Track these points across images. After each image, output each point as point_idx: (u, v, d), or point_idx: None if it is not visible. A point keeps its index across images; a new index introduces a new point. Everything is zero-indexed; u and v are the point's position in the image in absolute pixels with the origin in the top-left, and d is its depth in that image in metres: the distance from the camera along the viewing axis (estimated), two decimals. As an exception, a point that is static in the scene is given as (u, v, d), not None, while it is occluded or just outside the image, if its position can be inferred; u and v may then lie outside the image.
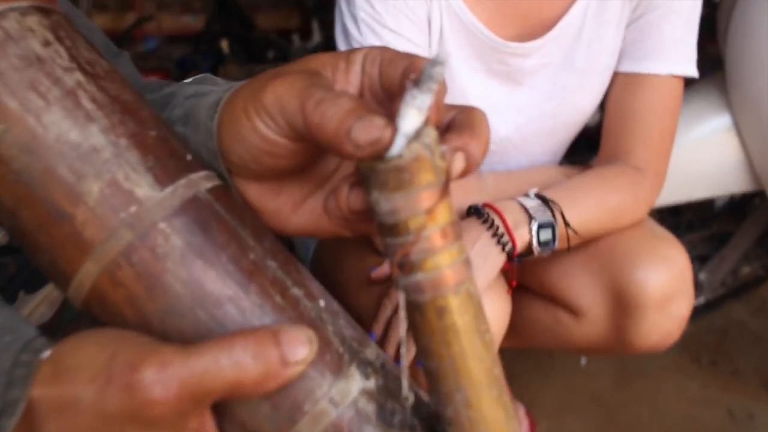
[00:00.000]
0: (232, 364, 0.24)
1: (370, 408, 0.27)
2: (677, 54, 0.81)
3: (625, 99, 0.84)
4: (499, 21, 0.79)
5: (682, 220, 1.41)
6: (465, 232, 0.72)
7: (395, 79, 0.29)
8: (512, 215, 0.72)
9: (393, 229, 0.25)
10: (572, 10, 0.80)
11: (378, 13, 0.74)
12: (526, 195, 0.76)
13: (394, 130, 0.24)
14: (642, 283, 0.75)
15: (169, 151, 0.29)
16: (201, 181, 0.29)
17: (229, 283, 0.27)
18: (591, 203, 0.78)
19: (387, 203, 0.25)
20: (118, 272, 0.26)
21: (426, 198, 0.24)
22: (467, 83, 0.82)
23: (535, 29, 0.81)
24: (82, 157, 0.26)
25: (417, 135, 0.24)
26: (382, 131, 0.24)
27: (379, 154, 0.25)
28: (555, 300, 0.85)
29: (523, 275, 0.87)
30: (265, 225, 0.32)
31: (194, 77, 0.40)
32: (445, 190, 0.25)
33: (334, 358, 0.27)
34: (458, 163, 0.26)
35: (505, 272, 0.77)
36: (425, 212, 0.24)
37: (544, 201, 0.74)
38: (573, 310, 0.82)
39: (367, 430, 0.27)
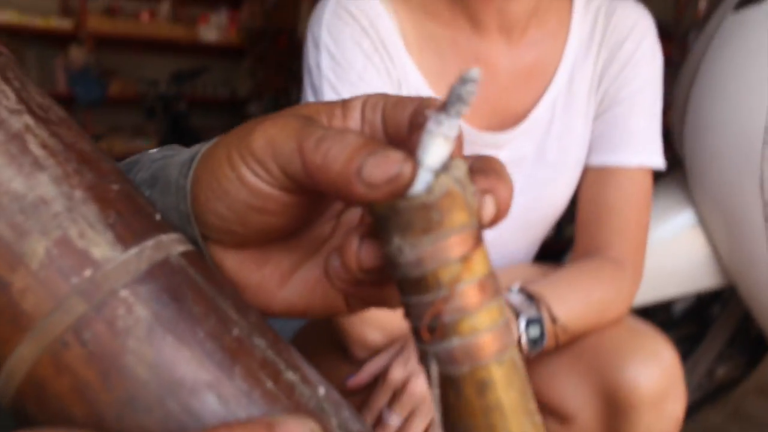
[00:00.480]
0: None
1: None
2: (645, 146, 0.82)
3: (598, 192, 0.83)
4: (471, 110, 0.79)
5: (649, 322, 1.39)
6: None
7: (403, 122, 0.25)
8: None
9: (420, 284, 0.20)
10: (541, 103, 0.81)
11: None
12: (509, 290, 0.72)
13: (415, 163, 0.20)
14: (633, 382, 0.70)
15: (135, 207, 0.24)
16: (173, 244, 0.24)
17: (207, 366, 0.21)
18: (575, 298, 0.74)
19: (412, 250, 0.20)
20: (65, 353, 0.20)
21: (459, 243, 0.20)
22: None
23: (505, 122, 0.81)
24: (26, 211, 0.21)
25: (445, 168, 0.20)
26: (401, 166, 0.20)
27: (398, 194, 0.20)
28: (541, 407, 0.78)
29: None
30: (248, 300, 0.26)
31: (161, 148, 0.35)
32: (480, 236, 0.20)
33: None
34: (489, 207, 0.22)
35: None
36: (459, 260, 0.20)
37: (529, 296, 0.71)
38: (561, 417, 0.76)
39: None
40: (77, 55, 3.86)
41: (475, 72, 0.21)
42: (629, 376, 0.71)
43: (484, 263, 0.20)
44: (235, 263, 0.27)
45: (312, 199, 0.25)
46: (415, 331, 0.21)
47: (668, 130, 1.29)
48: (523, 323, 0.68)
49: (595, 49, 0.83)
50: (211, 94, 4.59)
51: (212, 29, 4.40)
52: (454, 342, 0.20)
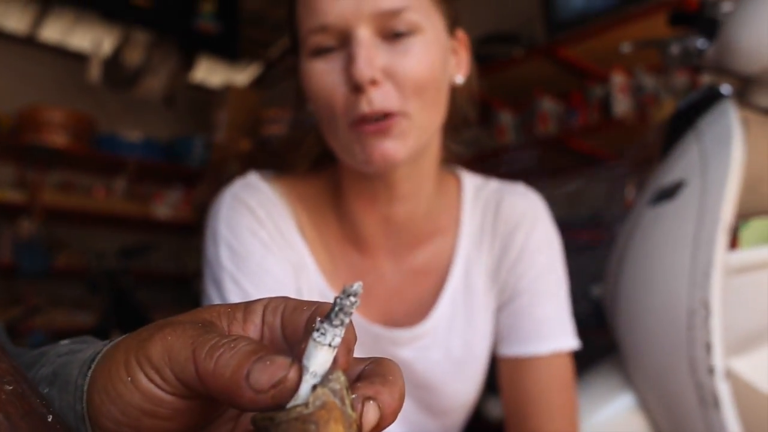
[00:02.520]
0: None
1: None
2: (555, 331, 0.83)
3: (515, 383, 0.84)
4: (366, 307, 0.81)
5: None
6: None
7: (300, 326, 0.26)
8: None
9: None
10: (440, 302, 0.83)
11: (248, 294, 0.74)
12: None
13: (300, 369, 0.21)
14: None
15: (26, 409, 0.23)
16: None
17: None
18: None
19: (290, 465, 0.20)
20: None
21: (336, 457, 0.20)
22: None
23: (401, 320, 0.83)
24: None
25: (324, 380, 0.21)
26: (286, 371, 0.21)
27: (283, 400, 0.21)
28: None
29: None
30: None
31: (74, 338, 0.35)
32: None
33: None
34: (371, 414, 0.22)
35: None
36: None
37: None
38: None
39: None
40: (26, 227, 3.85)
41: (357, 286, 0.22)
42: None
43: None
44: None
45: (204, 404, 0.25)
46: None
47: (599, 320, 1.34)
48: None
49: (487, 241, 0.85)
50: (160, 269, 4.57)
51: (165, 207, 4.49)
52: None
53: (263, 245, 0.77)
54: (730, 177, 1.03)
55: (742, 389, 1.07)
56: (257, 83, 4.86)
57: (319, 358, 0.22)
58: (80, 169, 4.34)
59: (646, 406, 1.19)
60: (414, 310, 0.83)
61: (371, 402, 0.23)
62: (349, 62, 0.69)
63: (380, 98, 0.69)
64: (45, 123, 3.83)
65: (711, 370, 1.03)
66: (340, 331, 0.22)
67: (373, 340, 0.80)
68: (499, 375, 0.86)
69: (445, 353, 0.83)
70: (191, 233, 4.64)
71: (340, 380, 0.22)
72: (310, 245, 0.81)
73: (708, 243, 1.03)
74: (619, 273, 1.21)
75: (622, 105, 2.67)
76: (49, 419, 0.24)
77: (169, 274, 4.60)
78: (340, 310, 0.22)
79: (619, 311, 1.21)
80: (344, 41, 0.71)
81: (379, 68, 0.69)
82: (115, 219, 4.29)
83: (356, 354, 0.76)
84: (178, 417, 0.25)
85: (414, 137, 0.72)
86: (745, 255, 1.06)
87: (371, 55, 0.69)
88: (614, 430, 1.21)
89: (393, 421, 0.24)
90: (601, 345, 1.33)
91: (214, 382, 0.23)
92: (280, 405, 0.21)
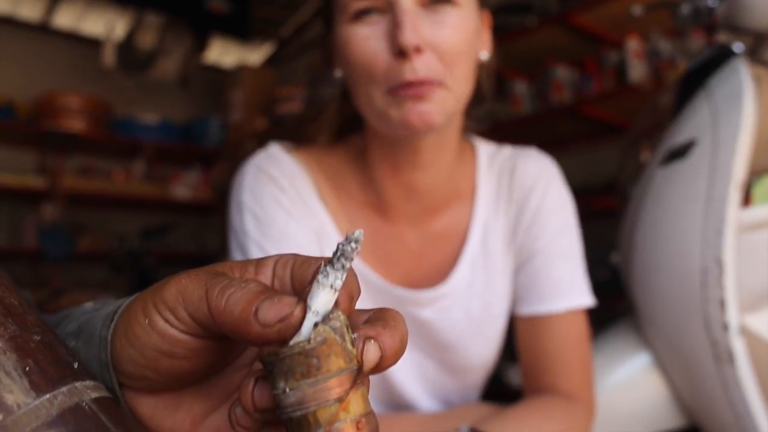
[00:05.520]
0: None
1: None
2: (570, 290, 0.85)
3: (533, 341, 0.86)
4: (388, 270, 0.83)
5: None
6: None
7: (308, 278, 0.28)
8: None
9: (301, 424, 0.22)
10: (459, 265, 0.86)
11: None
12: (458, 430, 0.72)
13: (305, 308, 0.23)
14: None
15: (53, 356, 0.26)
16: (87, 390, 0.25)
17: None
18: None
19: (294, 393, 0.22)
20: None
21: (337, 386, 0.22)
22: None
23: (422, 282, 0.85)
24: None
25: (326, 319, 0.23)
26: (292, 308, 0.23)
27: (288, 333, 0.23)
28: None
29: None
30: None
31: (96, 301, 0.37)
32: (358, 379, 0.23)
33: None
34: (371, 351, 0.24)
35: None
36: (336, 401, 0.22)
37: (477, 436, 0.71)
38: None
39: None
40: (49, 211, 3.92)
41: (358, 233, 0.24)
42: None
43: (361, 403, 0.22)
44: (149, 409, 0.29)
45: (219, 346, 0.27)
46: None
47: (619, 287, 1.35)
48: (470, 463, 0.67)
49: (503, 205, 0.88)
50: (181, 249, 4.64)
51: (184, 187, 4.53)
52: (333, 479, 0.21)
53: (286, 213, 0.80)
54: (742, 134, 1.03)
55: (756, 345, 1.08)
56: (270, 62, 4.86)
57: (322, 297, 0.24)
58: (99, 153, 4.40)
59: (662, 364, 1.21)
60: (435, 273, 0.85)
61: (372, 341, 0.25)
62: (395, 28, 0.70)
63: (424, 66, 0.71)
64: (62, 109, 3.88)
65: (725, 327, 1.04)
66: (341, 275, 0.24)
67: (395, 301, 0.83)
68: (516, 335, 0.89)
69: (465, 313, 0.85)
70: (210, 213, 4.70)
71: (340, 319, 0.23)
72: (331, 213, 0.83)
73: (720, 201, 1.03)
74: (633, 234, 1.22)
75: (637, 70, 2.64)
76: (75, 366, 0.26)
77: (189, 254, 4.67)
78: (342, 254, 0.24)
79: (633, 272, 1.22)
80: (387, 7, 0.72)
81: (423, 36, 0.70)
82: (134, 201, 4.35)
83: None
84: (194, 357, 0.27)
85: (450, 105, 0.74)
86: (758, 212, 1.06)
87: (416, 23, 0.70)
88: (631, 389, 1.22)
89: (393, 363, 0.25)
90: (620, 311, 1.34)
91: (224, 318, 0.25)
92: (284, 340, 0.23)
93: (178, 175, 4.57)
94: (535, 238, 0.86)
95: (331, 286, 0.24)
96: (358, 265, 0.82)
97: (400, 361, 0.84)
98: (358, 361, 0.23)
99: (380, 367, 0.25)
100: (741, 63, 1.10)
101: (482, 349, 0.88)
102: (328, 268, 0.24)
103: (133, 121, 4.36)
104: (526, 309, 0.86)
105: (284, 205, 0.80)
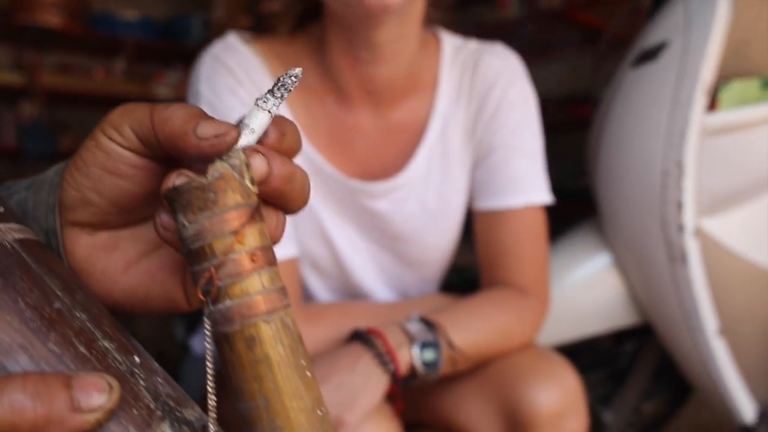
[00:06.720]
0: (3, 404, 0.21)
1: None
2: (528, 186, 0.86)
3: (490, 235, 0.88)
4: (344, 161, 0.84)
5: (580, 361, 1.43)
6: (345, 354, 0.70)
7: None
8: (394, 337, 0.72)
9: (199, 254, 0.24)
10: (416, 156, 0.86)
11: None
12: (409, 319, 0.76)
13: (239, 130, 0.25)
14: (532, 402, 0.74)
15: None
16: (11, 232, 0.27)
17: (23, 330, 0.24)
18: (476, 325, 0.78)
19: (192, 226, 0.24)
20: None
21: (233, 219, 0.24)
22: (323, 216, 0.85)
23: (379, 174, 0.86)
24: None
25: (225, 158, 0.24)
26: (229, 128, 0.25)
27: (222, 148, 0.25)
28: (451, 430, 0.81)
29: (418, 409, 0.84)
30: (80, 281, 0.30)
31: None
32: (255, 214, 0.24)
33: (142, 413, 0.25)
34: (257, 162, 0.26)
35: (392, 396, 0.74)
36: (232, 234, 0.24)
37: (427, 324, 0.74)
38: (468, 439, 0.80)
39: None
40: (28, 109, 3.85)
41: (298, 70, 0.26)
42: (529, 396, 0.75)
43: (257, 237, 0.24)
44: (86, 249, 0.31)
45: (159, 171, 0.29)
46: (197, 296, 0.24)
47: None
48: (417, 347, 0.71)
49: (464, 99, 0.88)
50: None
51: (166, 87, 4.45)
52: (227, 303, 0.24)
53: (242, 104, 0.80)
54: (713, 37, 1.02)
55: (712, 248, 1.12)
56: (254, -43, 4.65)
57: (259, 119, 0.26)
58: (77, 49, 4.27)
59: (621, 265, 1.25)
60: (391, 164, 0.86)
61: (258, 154, 0.26)
62: None
63: None
64: (38, 2, 3.74)
65: (681, 228, 1.07)
66: (278, 102, 0.26)
67: (350, 193, 0.84)
68: (474, 229, 0.91)
69: (420, 206, 0.87)
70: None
71: (240, 157, 0.25)
72: (288, 104, 0.83)
73: (686, 103, 1.04)
74: (601, 135, 1.23)
75: (629, -26, 2.57)
76: (1, 210, 0.28)
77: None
78: (282, 85, 0.26)
79: (598, 173, 1.25)
80: None
81: None
82: (116, 100, 4.20)
83: (334, 207, 0.79)
84: (136, 178, 0.29)
85: None
86: (724, 117, 1.07)
87: None
88: (590, 288, 1.27)
89: (284, 180, 0.27)
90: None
91: (166, 131, 0.26)
92: (218, 154, 0.25)
93: (159, 74, 4.47)
94: (494, 132, 0.87)
95: (269, 111, 0.26)
96: (313, 155, 0.83)
97: (356, 254, 0.87)
98: (256, 197, 0.25)
99: (275, 183, 0.26)
100: (720, -36, 1.08)
101: (439, 241, 0.90)
102: (267, 95, 0.26)
103: (113, 17, 4.21)
104: (484, 203, 0.88)
105: (240, 96, 0.80)
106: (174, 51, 4.48)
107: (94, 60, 4.38)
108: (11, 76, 3.92)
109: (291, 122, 0.29)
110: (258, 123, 0.26)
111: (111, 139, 0.28)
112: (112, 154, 0.29)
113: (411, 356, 0.71)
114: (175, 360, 1.14)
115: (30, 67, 4.00)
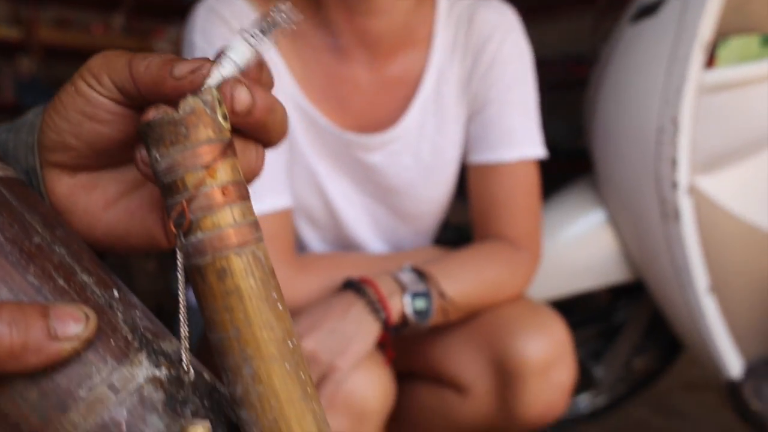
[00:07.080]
0: None
1: (156, 396, 0.25)
2: (522, 140, 0.87)
3: (483, 188, 0.89)
4: (339, 114, 0.84)
5: (573, 317, 1.45)
6: (338, 302, 0.71)
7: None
8: (386, 286, 0.73)
9: (171, 188, 0.24)
10: (410, 110, 0.86)
11: None
12: (402, 269, 0.77)
13: (213, 63, 0.25)
14: (521, 352, 0.75)
15: None
16: None
17: (2, 263, 0.25)
18: (467, 276, 0.79)
19: (164, 160, 0.24)
20: None
21: (204, 153, 0.24)
22: (317, 169, 0.85)
23: (373, 127, 0.86)
24: None
25: (197, 94, 0.25)
26: (202, 61, 0.26)
27: (198, 81, 0.25)
28: (441, 379, 0.84)
29: (410, 358, 0.86)
30: (61, 218, 0.30)
31: None
32: (228, 149, 0.25)
33: (120, 344, 0.26)
34: (238, 93, 0.26)
35: (384, 344, 0.76)
36: (203, 167, 0.24)
37: (419, 274, 0.75)
38: (458, 387, 0.82)
39: (151, 419, 0.25)
40: (26, 64, 3.82)
41: (286, 6, 0.26)
42: (518, 346, 0.77)
43: (229, 172, 0.25)
44: (66, 188, 0.32)
45: (138, 116, 0.30)
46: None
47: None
48: (408, 296, 0.72)
49: (460, 53, 0.87)
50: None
51: (166, 43, 4.40)
52: (199, 235, 0.24)
53: None
54: (713, -9, 1.01)
55: (705, 205, 1.12)
56: None
57: (241, 50, 0.26)
58: (75, 4, 4.21)
59: (615, 221, 1.26)
60: (386, 117, 0.86)
61: (239, 85, 0.26)
62: None
63: None
64: (34, -46, 3.68)
65: (675, 185, 1.07)
66: (265, 40, 0.26)
67: (345, 146, 0.85)
68: (468, 183, 0.91)
69: (414, 158, 0.87)
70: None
71: (212, 93, 0.25)
72: (284, 55, 0.83)
73: (683, 60, 1.03)
74: (598, 91, 1.23)
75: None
76: None
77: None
78: (272, 21, 0.26)
79: (595, 129, 1.24)
80: None
81: None
82: (115, 57, 4.22)
83: (329, 159, 0.80)
84: (114, 124, 0.30)
85: None
86: (721, 73, 1.07)
87: None
88: (584, 244, 1.28)
89: (266, 111, 0.28)
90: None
91: (144, 78, 0.27)
92: (197, 88, 0.25)
93: (159, 29, 4.42)
94: (489, 86, 0.86)
95: (254, 45, 0.26)
96: (308, 108, 0.83)
97: (350, 207, 0.88)
98: (228, 132, 0.26)
99: (253, 114, 0.27)
100: None
101: (432, 194, 0.91)
102: (256, 30, 0.26)
103: (110, -30, 4.14)
104: (477, 157, 0.88)
105: None
106: (173, 6, 4.40)
107: (92, 15, 4.33)
108: (9, 30, 3.88)
109: (267, 69, 0.29)
110: (241, 56, 0.26)
111: (90, 86, 0.29)
112: (91, 101, 0.29)
113: (402, 305, 0.73)
114: (173, 313, 1.16)
115: (27, 21, 3.95)
